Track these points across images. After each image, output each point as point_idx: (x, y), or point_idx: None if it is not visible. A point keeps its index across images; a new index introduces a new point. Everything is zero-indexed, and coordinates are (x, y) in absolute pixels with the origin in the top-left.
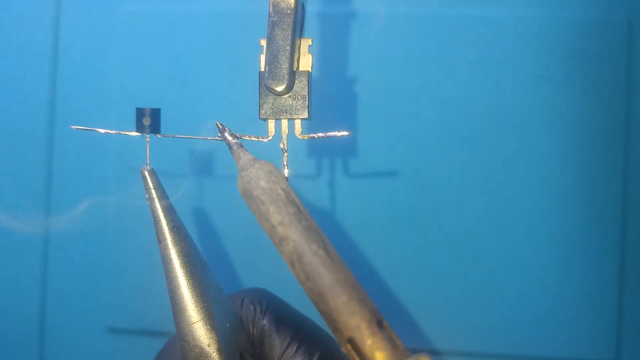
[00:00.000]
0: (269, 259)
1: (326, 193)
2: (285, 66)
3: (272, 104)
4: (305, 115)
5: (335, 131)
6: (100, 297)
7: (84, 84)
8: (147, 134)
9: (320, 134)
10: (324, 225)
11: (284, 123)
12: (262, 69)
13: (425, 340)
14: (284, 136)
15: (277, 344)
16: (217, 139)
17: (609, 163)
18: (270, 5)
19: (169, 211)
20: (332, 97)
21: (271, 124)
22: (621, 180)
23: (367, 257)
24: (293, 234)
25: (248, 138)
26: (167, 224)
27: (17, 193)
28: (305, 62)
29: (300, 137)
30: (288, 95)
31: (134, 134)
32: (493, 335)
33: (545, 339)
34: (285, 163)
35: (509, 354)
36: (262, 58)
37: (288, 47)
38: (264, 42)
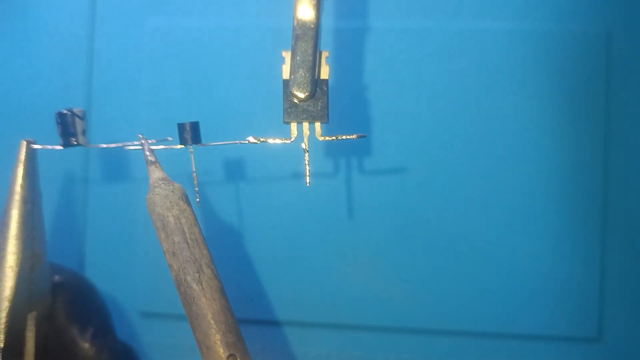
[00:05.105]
0: (297, 260)
1: (343, 189)
2: (309, 75)
3: (295, 109)
4: (326, 119)
5: (352, 134)
6: (133, 281)
7: (116, 97)
8: (190, 145)
9: (339, 136)
10: (341, 219)
11: (305, 126)
12: (286, 78)
13: (425, 318)
14: (306, 138)
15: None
16: (251, 142)
17: (590, 164)
18: (295, 20)
19: None
20: (347, 104)
21: (294, 126)
22: (601, 179)
23: (381, 247)
24: (175, 264)
25: (272, 141)
26: None
27: (57, 187)
28: (324, 72)
29: (320, 139)
30: (310, 100)
31: (179, 146)
32: (485, 314)
33: (533, 318)
34: (306, 161)
35: (499, 332)
36: (284, 68)
37: (311, 58)
38: (285, 54)
